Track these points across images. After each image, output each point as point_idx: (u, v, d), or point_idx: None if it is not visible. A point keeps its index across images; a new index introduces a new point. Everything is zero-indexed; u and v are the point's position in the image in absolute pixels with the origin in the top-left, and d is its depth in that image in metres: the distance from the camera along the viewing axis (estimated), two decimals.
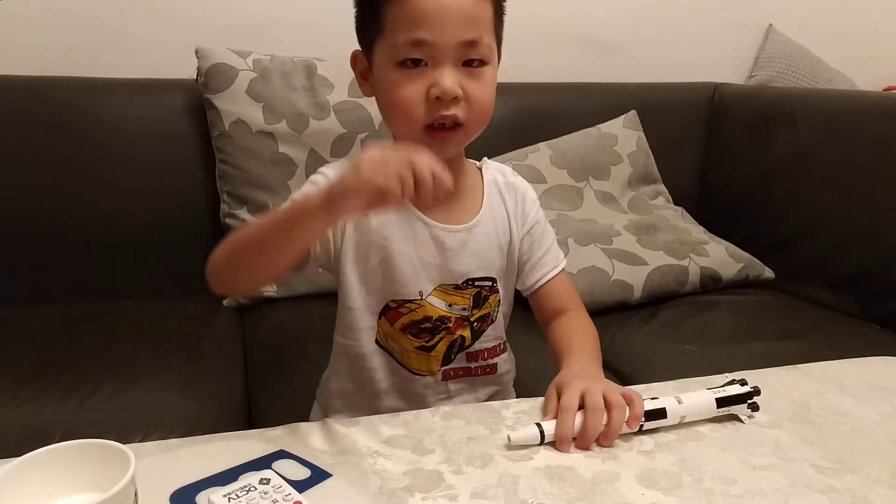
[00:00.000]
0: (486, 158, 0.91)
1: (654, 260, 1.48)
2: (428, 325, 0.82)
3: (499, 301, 0.86)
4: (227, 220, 1.45)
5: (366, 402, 0.83)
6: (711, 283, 1.52)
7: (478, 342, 0.86)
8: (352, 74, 1.43)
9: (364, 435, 0.65)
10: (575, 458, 0.63)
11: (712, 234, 1.64)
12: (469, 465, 0.61)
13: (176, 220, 1.46)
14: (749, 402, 0.70)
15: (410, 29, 0.70)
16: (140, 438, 0.89)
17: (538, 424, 0.65)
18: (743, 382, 0.71)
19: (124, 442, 0.52)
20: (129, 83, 1.49)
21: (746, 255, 1.59)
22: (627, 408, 0.66)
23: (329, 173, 0.79)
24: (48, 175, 1.39)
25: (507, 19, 0.79)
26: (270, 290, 1.43)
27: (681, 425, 0.68)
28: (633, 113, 1.78)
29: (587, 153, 1.67)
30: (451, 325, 0.83)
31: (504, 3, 0.77)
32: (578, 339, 0.81)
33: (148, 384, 1.03)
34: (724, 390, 0.70)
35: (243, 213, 1.43)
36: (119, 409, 0.97)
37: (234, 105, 1.41)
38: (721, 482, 0.60)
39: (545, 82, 1.79)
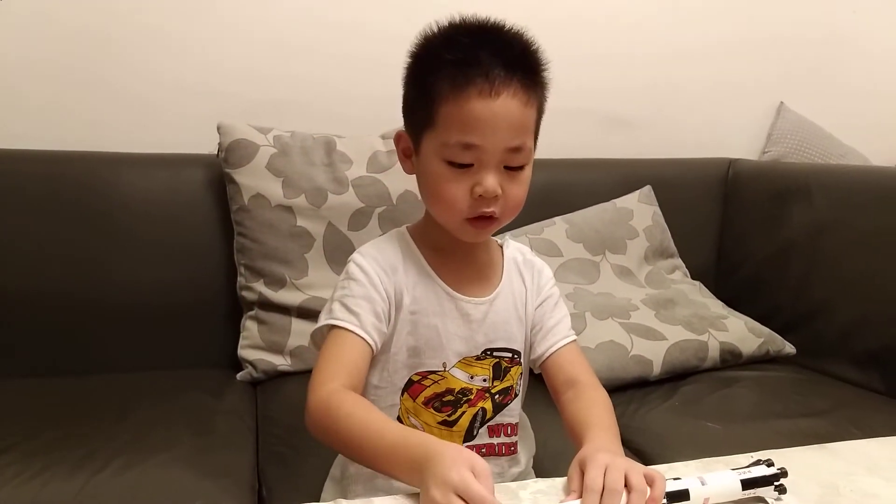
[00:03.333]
0: (507, 237, 0.94)
1: (674, 335, 1.45)
2: (450, 397, 0.82)
3: (521, 374, 0.86)
4: (244, 293, 1.46)
5: (385, 484, 0.81)
6: (731, 359, 1.49)
7: (500, 416, 0.85)
8: (371, 151, 1.53)
9: None
10: None
11: (731, 309, 1.62)
12: None
13: (192, 293, 1.47)
14: (776, 483, 0.67)
15: (463, 132, 0.74)
16: None
17: None
18: (769, 463, 0.68)
19: None
20: (150, 158, 1.53)
21: (766, 329, 1.56)
22: (649, 489, 0.64)
23: (363, 263, 0.82)
24: (67, 248, 1.41)
25: None
26: (285, 364, 1.42)
27: None
28: (648, 188, 1.79)
29: (603, 227, 1.68)
30: (472, 397, 0.83)
31: (545, 103, 0.81)
32: (597, 413, 0.80)
33: (157, 460, 1.01)
34: (749, 471, 0.67)
35: (259, 286, 1.44)
36: (126, 487, 0.95)
37: (254, 180, 1.44)
38: None
39: (560, 158, 1.82)
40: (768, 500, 0.67)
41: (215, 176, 1.51)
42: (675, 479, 0.66)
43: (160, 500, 0.91)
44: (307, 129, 1.54)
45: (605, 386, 0.87)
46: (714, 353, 1.47)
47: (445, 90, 0.74)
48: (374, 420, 0.71)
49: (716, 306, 1.62)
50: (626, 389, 1.38)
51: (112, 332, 1.42)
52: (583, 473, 0.65)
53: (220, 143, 1.48)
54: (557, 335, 0.87)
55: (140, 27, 1.59)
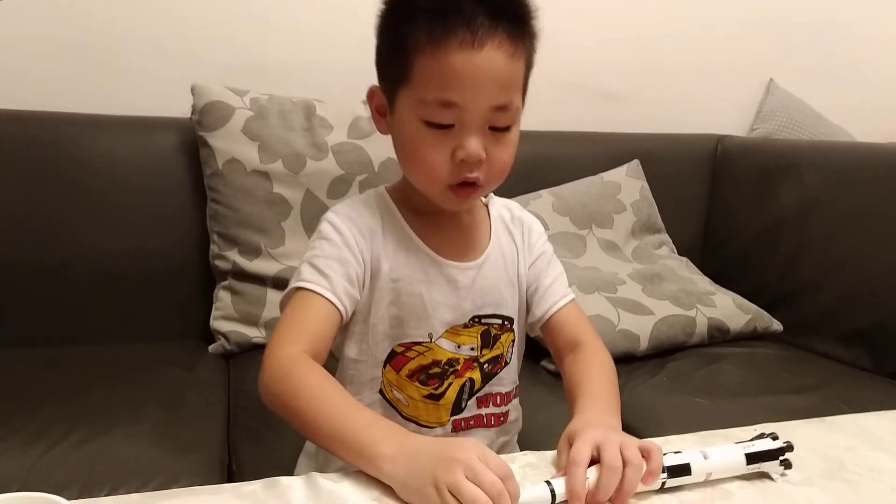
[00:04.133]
0: (492, 195, 0.87)
1: (661, 310, 1.42)
2: (437, 369, 0.77)
3: (513, 341, 0.81)
4: (217, 262, 1.39)
5: None
6: (719, 335, 1.46)
7: (489, 385, 0.80)
8: (352, 116, 1.47)
9: (354, 491, 0.58)
10: None
11: (718, 286, 1.59)
12: None
13: (163, 262, 1.41)
14: (781, 458, 0.63)
15: (441, 88, 0.67)
16: (106, 492, 0.82)
17: (548, 482, 0.58)
18: (774, 437, 0.64)
19: (87, 496, 0.45)
20: (120, 120, 1.45)
21: (754, 306, 1.53)
22: (645, 464, 0.60)
23: (337, 222, 0.75)
24: (30, 212, 1.34)
25: None
26: (259, 337, 1.37)
27: (706, 483, 0.62)
28: (636, 162, 1.75)
29: (590, 201, 1.64)
30: (459, 367, 0.78)
31: (534, 55, 0.74)
32: (593, 379, 0.75)
33: (120, 434, 0.96)
34: (753, 445, 0.63)
35: (233, 255, 1.37)
36: (85, 460, 0.89)
37: (229, 143, 1.38)
38: None
39: (547, 131, 1.77)
40: (773, 476, 0.64)
41: (188, 140, 1.44)
42: (675, 452, 0.62)
43: (121, 475, 0.86)
44: (286, 94, 1.47)
45: None
46: (702, 328, 1.44)
47: (422, 41, 0.67)
48: (337, 399, 0.64)
49: (703, 282, 1.59)
50: None
51: (77, 302, 1.35)
52: (570, 448, 0.61)
53: (193, 105, 1.41)
54: (555, 295, 0.82)
55: None
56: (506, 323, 0.81)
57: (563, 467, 0.60)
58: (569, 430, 0.64)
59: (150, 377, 1.18)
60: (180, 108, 1.46)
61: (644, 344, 1.37)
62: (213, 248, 1.40)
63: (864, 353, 1.41)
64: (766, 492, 0.62)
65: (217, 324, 1.37)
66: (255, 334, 1.36)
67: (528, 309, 0.83)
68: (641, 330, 1.38)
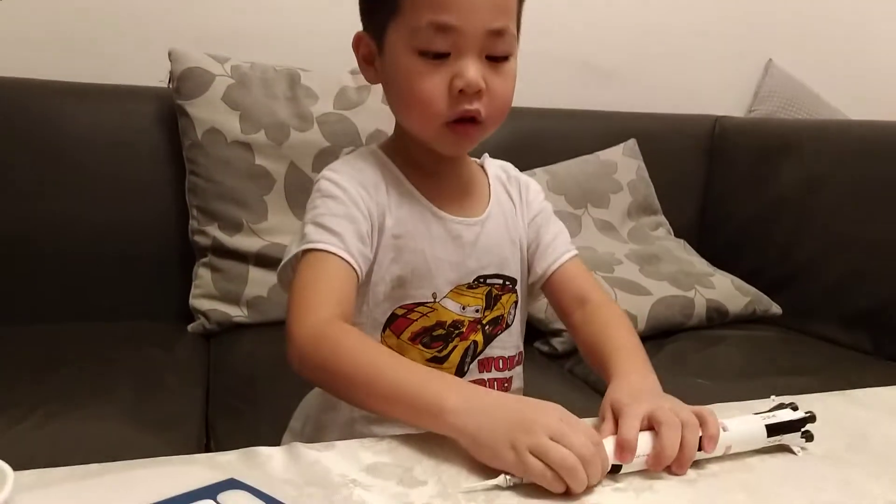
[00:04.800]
0: (486, 155, 0.83)
1: (659, 290, 1.37)
2: (441, 331, 0.71)
3: (515, 303, 0.76)
4: (196, 238, 1.33)
5: (366, 427, 0.70)
6: (717, 317, 1.42)
7: (490, 348, 0.75)
8: (338, 86, 1.40)
9: (340, 461, 0.52)
10: (602, 491, 0.50)
11: (716, 268, 1.55)
12: (470, 502, 0.49)
13: (139, 237, 1.34)
14: (802, 430, 0.58)
15: (435, 11, 0.62)
16: None
17: None
18: (794, 407, 0.59)
19: None
20: (95, 88, 1.38)
21: (753, 288, 1.49)
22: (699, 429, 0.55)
23: (338, 178, 0.69)
24: None
25: None
26: (241, 316, 1.30)
27: (725, 457, 0.57)
28: (632, 141, 1.70)
29: (585, 180, 1.58)
30: (464, 329, 0.73)
31: None
32: (618, 335, 0.70)
33: (89, 411, 0.89)
34: (773, 416, 0.58)
35: (213, 230, 1.31)
36: (50, 437, 0.83)
37: (209, 112, 1.31)
38: None
39: (542, 108, 1.72)
40: (794, 449, 0.59)
41: (166, 109, 1.37)
42: None
43: (88, 452, 0.78)
44: (269, 62, 1.40)
45: None
46: (700, 310, 1.39)
47: None
48: (387, 357, 0.60)
49: (701, 264, 1.54)
50: None
51: (48, 279, 1.28)
52: (616, 417, 0.56)
53: (171, 72, 1.34)
54: (557, 250, 0.78)
55: None
56: (507, 283, 0.76)
57: (606, 434, 0.55)
58: (612, 397, 0.59)
59: (124, 356, 1.12)
60: (157, 76, 1.38)
61: (642, 325, 1.32)
62: (193, 224, 1.33)
63: (865, 336, 1.38)
64: (789, 466, 0.57)
65: (196, 302, 1.31)
66: (236, 313, 1.30)
67: (529, 268, 0.79)
68: (639, 310, 1.33)
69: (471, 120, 0.66)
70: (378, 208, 0.69)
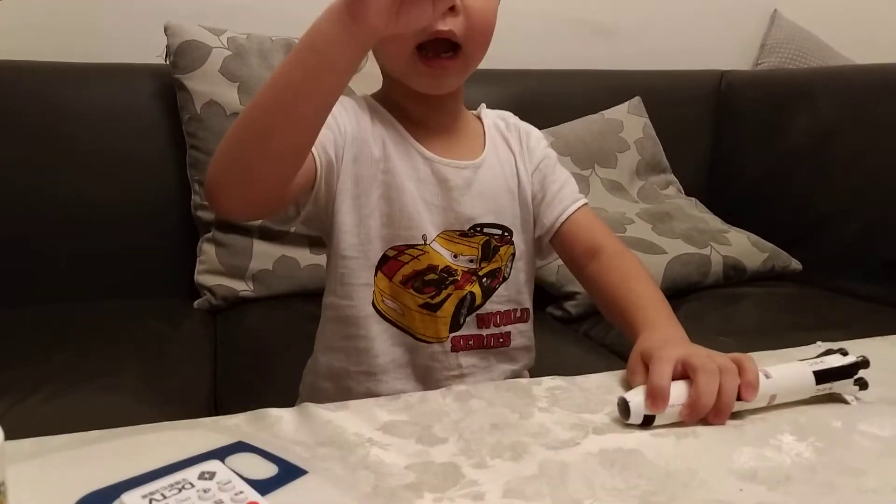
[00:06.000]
0: (483, 105, 0.80)
1: (673, 248, 1.34)
2: (433, 276, 0.69)
3: (512, 255, 0.73)
4: (199, 213, 1.30)
5: (361, 385, 0.68)
6: (735, 275, 1.38)
7: (489, 302, 0.72)
8: None
9: (354, 421, 0.49)
10: (640, 437, 0.48)
11: (731, 225, 1.51)
12: (496, 458, 0.46)
13: (142, 214, 1.31)
14: (856, 377, 0.54)
15: None
16: None
17: (622, 398, 0.50)
18: (843, 352, 0.55)
19: None
20: (91, 67, 1.35)
21: (770, 244, 1.45)
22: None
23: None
24: None
25: (505, 4, 0.70)
26: (247, 290, 1.28)
27: (769, 407, 0.53)
28: (637, 99, 1.66)
29: (591, 139, 1.54)
30: (458, 278, 0.70)
31: None
32: (641, 288, 0.67)
33: (96, 386, 0.87)
34: (822, 361, 0.54)
35: None
36: (56, 413, 0.80)
37: (207, 85, 1.27)
38: (844, 473, 0.44)
39: (543, 69, 1.67)
40: (846, 398, 0.55)
41: (164, 85, 1.33)
42: None
43: (95, 426, 0.76)
44: (265, 32, 1.36)
45: None
46: (717, 267, 1.35)
47: None
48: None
49: (715, 221, 1.51)
50: None
51: (51, 257, 1.25)
52: (647, 367, 0.53)
53: (167, 46, 1.30)
54: (566, 200, 0.74)
55: None
56: (505, 234, 0.73)
57: (638, 384, 0.52)
58: (642, 348, 0.56)
59: (130, 332, 1.09)
60: (151, 52, 1.34)
61: (658, 284, 1.28)
62: (195, 199, 1.30)
63: (892, 288, 1.33)
64: (843, 416, 0.52)
65: (201, 278, 1.28)
66: (242, 288, 1.27)
67: (536, 221, 0.75)
68: (654, 270, 1.29)
69: (448, 52, 0.62)
70: (358, 133, 0.66)
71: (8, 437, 0.71)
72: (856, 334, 1.13)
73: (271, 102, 0.54)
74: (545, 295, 1.30)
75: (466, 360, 0.71)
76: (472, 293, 0.71)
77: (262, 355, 1.05)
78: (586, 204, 0.76)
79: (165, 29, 1.31)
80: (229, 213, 0.61)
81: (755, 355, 0.61)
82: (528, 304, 0.76)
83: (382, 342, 0.69)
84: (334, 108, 0.62)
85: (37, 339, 1.05)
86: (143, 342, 1.05)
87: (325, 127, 0.61)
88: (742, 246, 1.41)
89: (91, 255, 1.27)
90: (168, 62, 1.30)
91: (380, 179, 0.67)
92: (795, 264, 1.45)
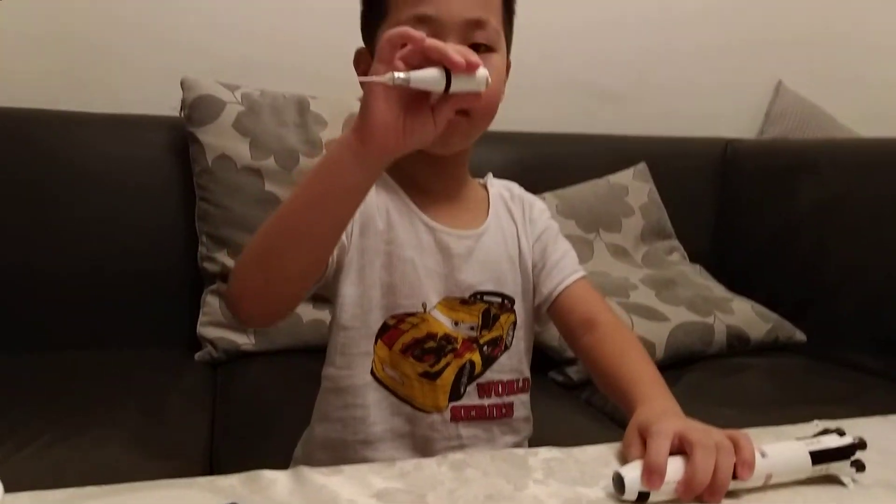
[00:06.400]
0: (489, 174, 0.82)
1: (676, 316, 1.34)
2: (432, 343, 0.69)
3: (514, 323, 0.74)
4: (206, 265, 1.31)
5: (357, 454, 0.68)
6: (739, 344, 1.38)
7: (490, 371, 0.72)
8: (347, 112, 1.39)
9: (348, 486, 0.49)
10: None
11: (734, 293, 1.51)
12: None
13: (148, 264, 1.33)
14: (853, 458, 0.54)
15: (414, 5, 0.65)
16: None
17: (617, 473, 0.50)
18: (840, 432, 0.55)
19: None
20: (107, 118, 1.38)
21: (774, 314, 1.45)
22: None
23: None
24: (9, 212, 1.26)
25: (514, 67, 0.74)
26: (248, 344, 1.28)
27: (766, 487, 0.52)
28: (643, 164, 1.68)
29: (596, 203, 1.56)
30: (458, 346, 0.70)
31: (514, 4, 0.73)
32: (636, 361, 0.68)
33: (94, 437, 0.87)
34: (818, 441, 0.54)
35: (222, 257, 1.29)
36: (52, 463, 0.80)
37: (219, 139, 1.30)
38: None
39: (549, 132, 1.71)
40: (843, 479, 0.54)
41: (177, 138, 1.36)
42: None
43: (92, 477, 0.74)
44: (278, 89, 1.40)
45: None
46: (720, 336, 1.35)
47: None
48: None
49: (719, 289, 1.51)
50: None
51: (57, 306, 1.27)
52: (643, 441, 0.53)
53: (183, 100, 1.34)
54: (564, 271, 0.76)
55: None
56: (506, 302, 0.74)
57: (634, 459, 0.52)
58: (639, 421, 0.56)
59: (131, 383, 1.10)
60: (168, 105, 1.38)
61: (660, 352, 1.28)
62: (202, 250, 1.32)
63: None
64: (839, 499, 0.52)
65: (204, 330, 1.28)
66: (243, 341, 1.27)
67: (535, 289, 0.76)
68: (657, 337, 1.29)
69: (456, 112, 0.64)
70: (365, 207, 0.68)
71: (6, 489, 0.71)
72: (859, 410, 1.12)
73: (285, 227, 0.57)
74: (547, 359, 1.29)
75: (467, 430, 0.71)
76: (471, 361, 0.71)
77: (261, 411, 1.05)
78: (585, 277, 0.77)
79: (182, 83, 1.34)
80: (249, 322, 0.64)
81: (751, 431, 0.61)
82: (528, 373, 0.77)
83: (380, 411, 0.69)
84: None
85: (38, 386, 1.05)
86: (142, 393, 1.05)
87: None
88: (746, 315, 1.41)
89: (95, 302, 1.28)
90: (182, 115, 1.34)
91: (383, 250, 0.69)
92: (800, 335, 1.45)
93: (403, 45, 0.52)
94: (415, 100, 0.53)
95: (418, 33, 0.51)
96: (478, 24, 0.66)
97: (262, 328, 1.24)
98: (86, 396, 1.02)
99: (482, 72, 0.54)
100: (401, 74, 0.51)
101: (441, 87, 0.53)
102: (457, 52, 0.52)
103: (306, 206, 0.56)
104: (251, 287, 0.59)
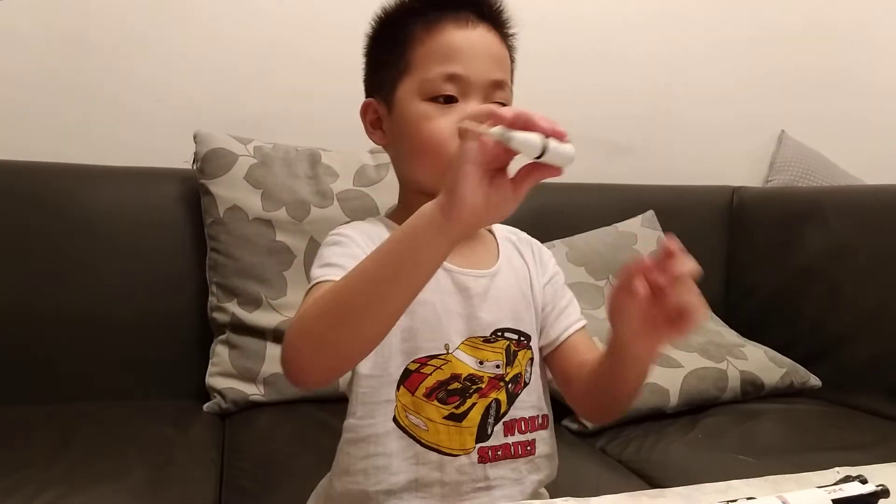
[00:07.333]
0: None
1: (690, 362, 1.32)
2: (457, 384, 0.69)
3: (531, 360, 0.74)
4: (215, 315, 1.31)
5: None
6: (753, 390, 1.36)
7: (513, 409, 0.72)
8: (358, 164, 1.42)
9: None
10: None
11: (747, 339, 1.50)
12: None
13: (158, 315, 1.32)
14: None
15: (443, 63, 0.69)
16: None
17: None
18: (862, 480, 0.54)
19: None
20: (121, 171, 1.40)
21: (788, 360, 1.44)
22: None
23: (343, 230, 0.73)
24: (18, 263, 1.27)
25: None
26: (257, 394, 1.27)
27: None
28: (651, 213, 1.69)
29: (606, 251, 1.56)
30: (483, 385, 0.70)
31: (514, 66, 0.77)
32: None
33: (101, 491, 0.86)
34: (840, 489, 0.53)
35: (232, 306, 1.29)
36: None
37: (231, 191, 1.32)
38: None
39: (557, 182, 1.71)
40: None
41: (189, 190, 1.38)
42: (748, 498, 0.52)
43: None
44: (290, 142, 1.43)
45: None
46: (734, 382, 1.33)
47: (418, 29, 0.71)
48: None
49: (731, 335, 1.50)
50: (641, 422, 1.24)
51: (65, 357, 1.26)
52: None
53: (195, 153, 1.36)
54: (571, 318, 0.78)
55: (115, 32, 1.49)
56: (522, 339, 0.74)
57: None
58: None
59: (138, 436, 1.08)
60: (181, 158, 1.41)
61: (674, 399, 1.27)
62: (212, 300, 1.32)
63: None
64: None
65: (213, 380, 1.27)
66: (252, 391, 1.26)
67: (542, 332, 0.77)
68: (671, 384, 1.28)
69: None
70: None
71: None
72: (879, 456, 1.10)
73: (359, 295, 0.57)
74: (561, 407, 1.26)
75: (494, 471, 0.70)
76: (497, 400, 0.71)
77: (269, 464, 1.03)
78: (585, 327, 0.79)
79: (195, 137, 1.37)
80: (307, 385, 0.63)
81: (773, 479, 0.60)
82: (547, 409, 0.77)
83: (403, 459, 0.68)
84: (363, 242, 0.68)
85: (44, 439, 1.04)
86: (150, 446, 1.04)
87: (353, 258, 0.63)
88: (759, 361, 1.40)
89: (104, 353, 1.28)
90: (195, 168, 1.36)
91: None
92: (814, 380, 1.43)
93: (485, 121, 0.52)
94: (497, 174, 0.53)
95: (506, 111, 0.51)
96: (499, 85, 0.70)
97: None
98: (93, 449, 1.01)
99: (571, 146, 0.53)
100: (506, 131, 0.49)
101: (536, 152, 0.51)
102: (547, 121, 0.51)
103: (383, 278, 0.55)
104: (317, 350, 0.58)
